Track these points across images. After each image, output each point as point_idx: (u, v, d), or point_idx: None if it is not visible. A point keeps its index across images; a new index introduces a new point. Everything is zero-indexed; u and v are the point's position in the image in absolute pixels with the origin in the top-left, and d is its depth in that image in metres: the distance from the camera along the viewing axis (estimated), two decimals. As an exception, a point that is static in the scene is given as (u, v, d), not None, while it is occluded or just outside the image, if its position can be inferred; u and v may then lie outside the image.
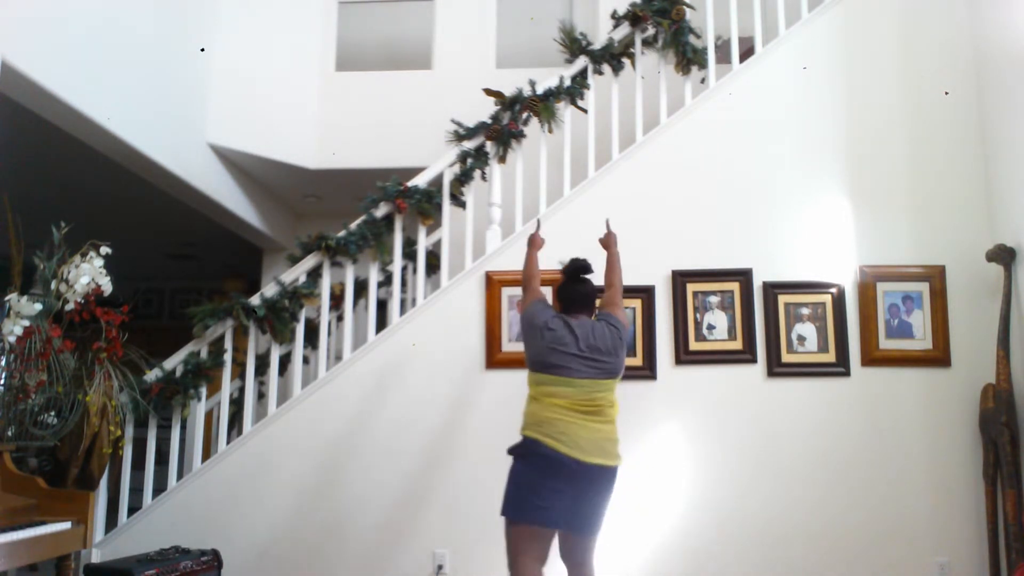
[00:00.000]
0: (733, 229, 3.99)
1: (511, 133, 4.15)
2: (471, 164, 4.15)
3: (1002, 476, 3.55)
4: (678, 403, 3.86)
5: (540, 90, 4.18)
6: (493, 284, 3.98)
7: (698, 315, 3.92)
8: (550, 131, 4.21)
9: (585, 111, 4.24)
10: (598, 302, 3.09)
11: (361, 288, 4.51)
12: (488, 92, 4.24)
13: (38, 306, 3.24)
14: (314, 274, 4.13)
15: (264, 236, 6.12)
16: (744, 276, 3.93)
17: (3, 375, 3.24)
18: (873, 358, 3.84)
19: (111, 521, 3.90)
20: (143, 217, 6.13)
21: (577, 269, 3.02)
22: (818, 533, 3.72)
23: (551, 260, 3.99)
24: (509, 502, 2.75)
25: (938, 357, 3.82)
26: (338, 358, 4.43)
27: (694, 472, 3.80)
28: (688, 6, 4.22)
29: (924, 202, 3.97)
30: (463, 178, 4.16)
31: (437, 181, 4.17)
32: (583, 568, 2.86)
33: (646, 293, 3.94)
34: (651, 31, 4.27)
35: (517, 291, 3.96)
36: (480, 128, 4.16)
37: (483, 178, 4.21)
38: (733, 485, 3.78)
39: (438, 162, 4.17)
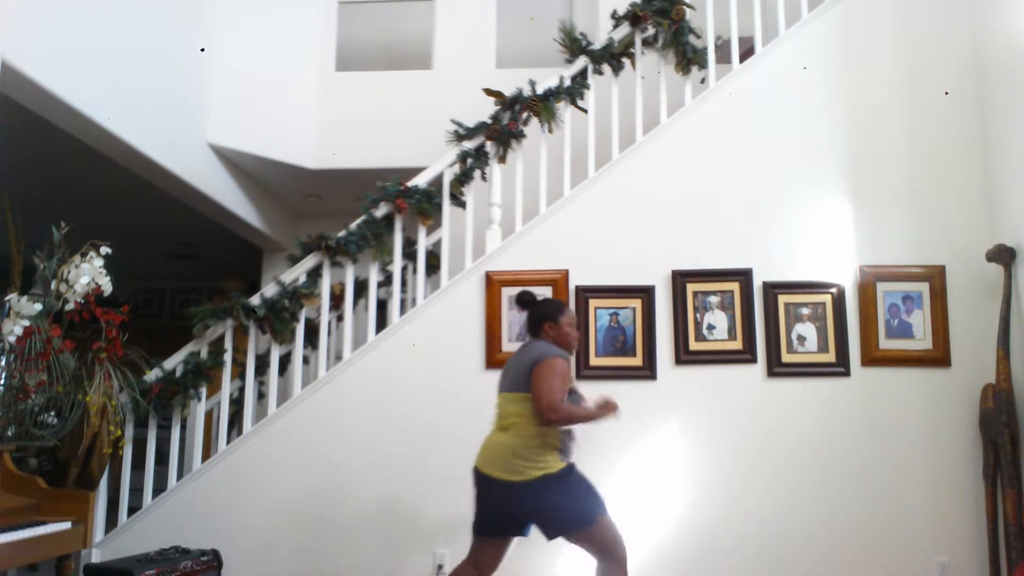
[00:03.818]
0: (733, 229, 3.99)
1: (511, 133, 4.16)
2: (471, 164, 4.15)
3: (1002, 476, 3.55)
4: (678, 403, 3.86)
5: (540, 90, 4.18)
6: (493, 284, 3.98)
7: (698, 315, 3.91)
8: (550, 131, 4.21)
9: (585, 111, 4.24)
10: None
11: (361, 288, 4.51)
12: (488, 92, 4.24)
13: (38, 306, 3.25)
14: (314, 274, 4.13)
15: (264, 236, 6.13)
16: (744, 276, 3.93)
17: (3, 375, 3.24)
18: (873, 358, 3.84)
19: (111, 521, 3.90)
20: (143, 217, 6.13)
21: (519, 301, 3.18)
22: (817, 533, 3.72)
23: (552, 261, 4.01)
24: None
25: (938, 357, 3.82)
26: (338, 358, 4.43)
27: (694, 472, 3.80)
28: (688, 6, 4.22)
29: (924, 202, 3.97)
30: (463, 178, 4.16)
31: (437, 181, 4.17)
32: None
33: (646, 293, 3.94)
34: (651, 31, 4.27)
35: (517, 291, 3.95)
36: (480, 128, 4.17)
37: (483, 178, 4.22)
38: (733, 485, 3.78)
39: (438, 162, 4.17)
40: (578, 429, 2.97)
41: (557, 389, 2.79)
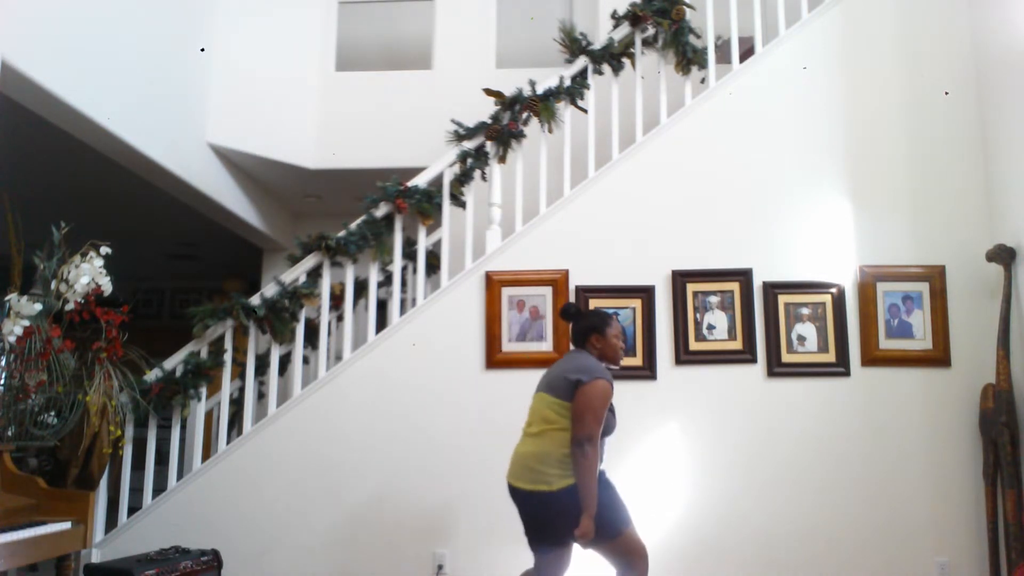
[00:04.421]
0: (733, 229, 3.99)
1: (511, 133, 4.16)
2: (471, 164, 4.15)
3: (1002, 476, 3.55)
4: (678, 403, 3.86)
5: (540, 90, 4.18)
6: (493, 284, 3.98)
7: (698, 315, 3.92)
8: (550, 131, 4.21)
9: (585, 111, 4.24)
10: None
11: (361, 288, 4.52)
12: (488, 92, 4.24)
13: (38, 306, 3.24)
14: (314, 274, 4.13)
15: (264, 236, 6.13)
16: (744, 276, 3.93)
17: (3, 375, 3.24)
18: (873, 358, 3.84)
19: (111, 521, 3.90)
20: (143, 217, 6.13)
21: (563, 314, 3.09)
22: (817, 533, 3.72)
23: (552, 261, 4.01)
24: None
25: (938, 357, 3.82)
26: (338, 358, 4.43)
27: (694, 472, 3.80)
28: (688, 6, 4.22)
29: (924, 202, 3.97)
30: (463, 178, 4.16)
31: (437, 181, 4.17)
32: None
33: (646, 293, 3.94)
34: (651, 31, 4.27)
35: (517, 291, 3.96)
36: (480, 128, 4.17)
37: (483, 178, 4.22)
38: (733, 485, 3.78)
39: (438, 162, 4.17)
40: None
41: (599, 419, 2.75)
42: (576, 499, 2.71)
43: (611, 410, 2.89)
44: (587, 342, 2.98)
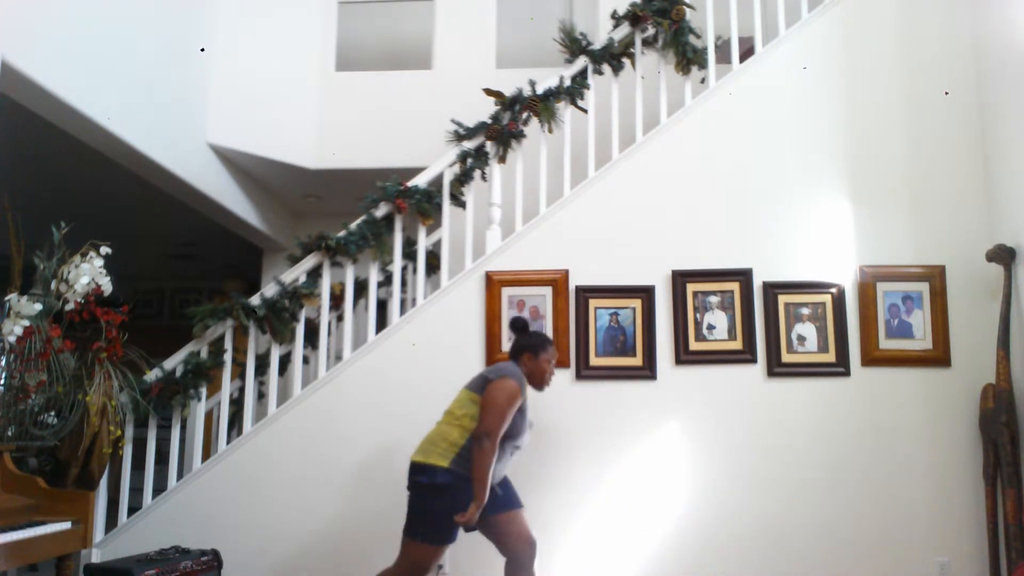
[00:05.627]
0: (733, 229, 3.99)
1: (511, 133, 4.15)
2: (471, 164, 4.15)
3: (1002, 476, 3.55)
4: (678, 403, 3.86)
5: (540, 90, 4.18)
6: (493, 284, 3.98)
7: (698, 315, 3.91)
8: (550, 131, 4.21)
9: (585, 111, 4.24)
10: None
11: (361, 288, 4.51)
12: (488, 92, 4.24)
13: (38, 306, 3.25)
14: (314, 274, 4.13)
15: (264, 236, 6.13)
16: (744, 276, 3.93)
17: (3, 375, 3.24)
18: (873, 358, 3.84)
19: (111, 521, 3.90)
20: (143, 217, 6.13)
21: (512, 326, 3.33)
22: (818, 533, 3.72)
23: (552, 261, 4.01)
24: None
25: (938, 357, 3.82)
26: (338, 358, 4.43)
27: (694, 473, 3.80)
28: (688, 6, 4.22)
29: (924, 202, 3.97)
30: (463, 178, 4.16)
31: (437, 181, 4.17)
32: None
33: (646, 293, 3.94)
34: (651, 31, 4.27)
35: (517, 291, 3.96)
36: (480, 128, 4.17)
37: (483, 178, 4.22)
38: (733, 485, 3.78)
39: (438, 162, 4.17)
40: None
41: (503, 418, 2.94)
42: (448, 483, 2.91)
43: (523, 414, 3.06)
44: (519, 359, 3.21)
